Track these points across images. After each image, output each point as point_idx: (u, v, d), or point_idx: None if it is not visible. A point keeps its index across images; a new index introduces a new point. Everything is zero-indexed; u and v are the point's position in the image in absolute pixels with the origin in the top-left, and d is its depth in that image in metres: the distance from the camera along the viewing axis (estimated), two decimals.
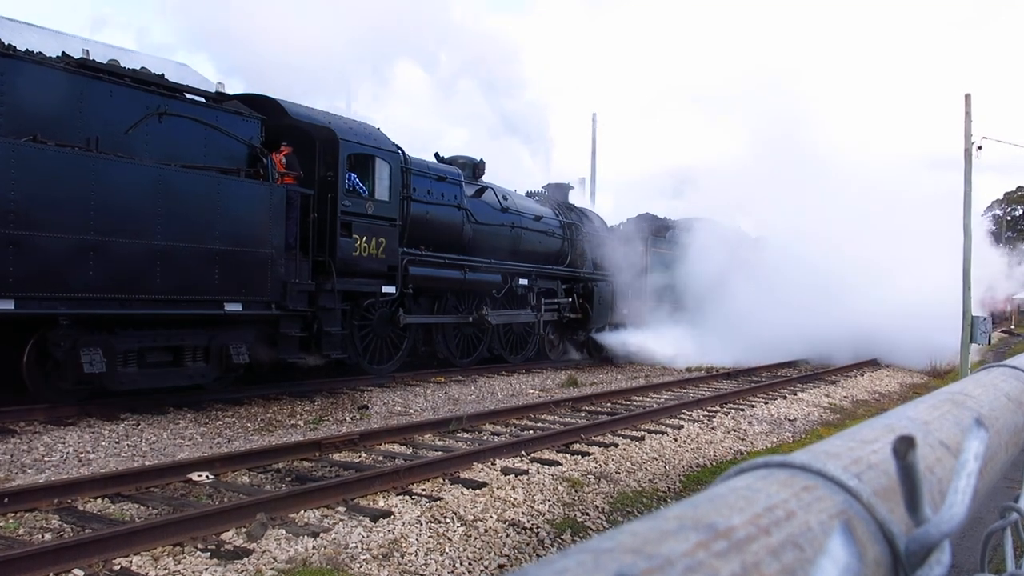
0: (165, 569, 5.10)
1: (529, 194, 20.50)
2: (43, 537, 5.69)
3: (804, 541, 0.54)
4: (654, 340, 21.15)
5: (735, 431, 11.25)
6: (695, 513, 0.53)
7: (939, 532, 0.60)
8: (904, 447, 0.58)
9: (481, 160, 17.97)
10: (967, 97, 18.12)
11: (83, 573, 4.92)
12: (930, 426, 0.88)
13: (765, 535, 0.52)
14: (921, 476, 0.61)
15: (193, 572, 5.07)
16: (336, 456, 8.53)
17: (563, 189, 21.86)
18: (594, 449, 9.28)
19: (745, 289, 21.55)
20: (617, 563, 0.44)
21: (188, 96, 11.04)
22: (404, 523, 6.23)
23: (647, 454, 9.33)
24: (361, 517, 6.32)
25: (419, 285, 14.75)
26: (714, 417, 11.97)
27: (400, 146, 14.42)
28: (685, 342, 21.47)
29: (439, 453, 8.62)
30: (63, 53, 9.98)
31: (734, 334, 21.06)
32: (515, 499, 7.11)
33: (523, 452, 8.78)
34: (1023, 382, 1.38)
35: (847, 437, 0.78)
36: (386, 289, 13.69)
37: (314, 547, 5.61)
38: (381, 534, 5.97)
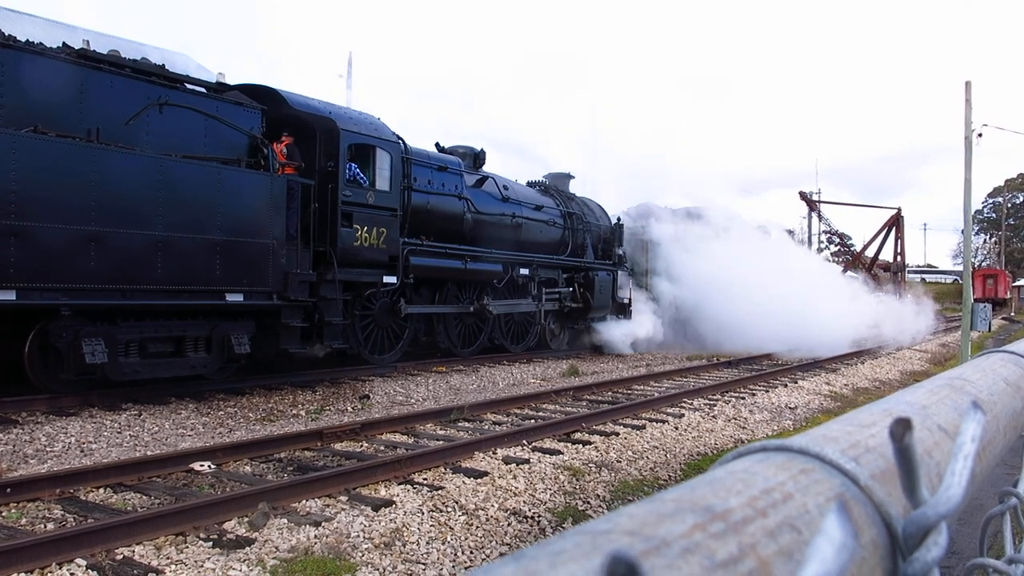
0: (168, 558, 5.12)
1: (530, 184, 20.48)
2: (46, 527, 5.71)
3: (801, 523, 0.54)
4: (648, 329, 21.28)
5: (736, 419, 11.27)
6: (693, 496, 0.53)
7: (936, 514, 0.60)
8: (901, 430, 0.58)
9: (482, 150, 17.96)
10: (967, 84, 18.03)
11: (85, 563, 4.94)
12: (928, 410, 0.88)
13: (762, 517, 0.52)
14: (918, 459, 0.61)
15: (195, 561, 5.09)
16: (338, 446, 8.55)
17: (564, 178, 21.83)
18: (595, 438, 9.30)
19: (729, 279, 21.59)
20: (614, 545, 0.44)
21: (189, 86, 11.01)
22: (406, 512, 6.25)
23: (648, 443, 9.34)
24: (363, 506, 6.34)
25: (420, 275, 14.75)
26: (715, 405, 11.98)
27: (401, 136, 14.41)
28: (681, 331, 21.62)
29: (440, 443, 8.64)
30: (63, 44, 9.95)
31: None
32: (516, 488, 7.13)
33: (524, 441, 8.79)
34: (1021, 367, 1.38)
35: (845, 421, 0.78)
36: (387, 279, 13.69)
37: (316, 536, 5.63)
38: (383, 523, 5.99)
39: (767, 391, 13.91)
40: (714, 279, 21.35)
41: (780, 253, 25.53)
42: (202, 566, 5.02)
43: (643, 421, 10.46)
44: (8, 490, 6.14)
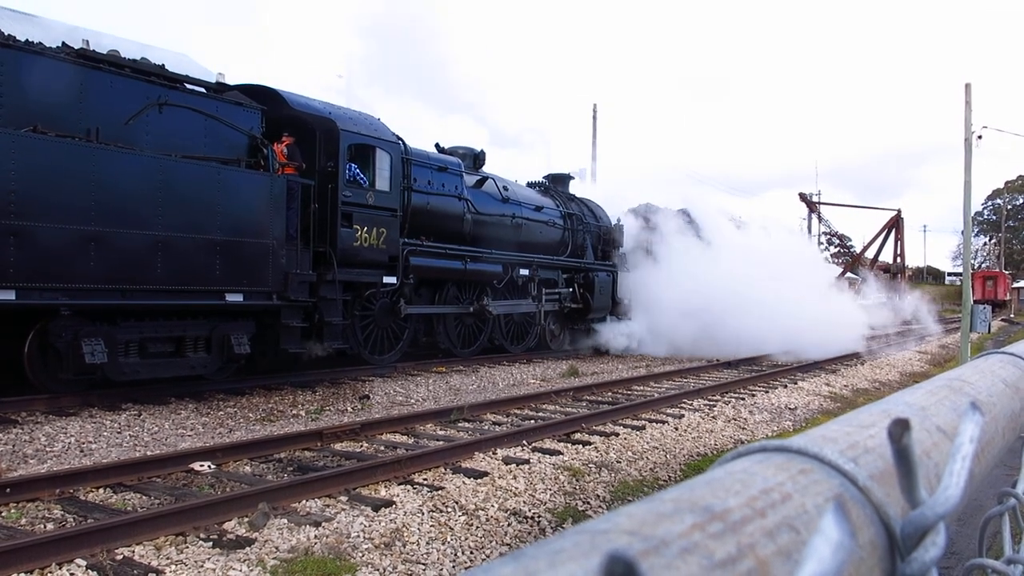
0: (168, 559, 5.12)
1: (530, 184, 20.48)
2: (45, 527, 5.71)
3: (800, 523, 0.54)
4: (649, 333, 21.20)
5: (736, 420, 11.26)
6: (692, 496, 0.53)
7: (934, 514, 0.60)
8: (899, 430, 0.58)
9: (482, 150, 17.96)
10: (967, 87, 18.04)
11: (85, 563, 4.93)
12: (927, 411, 0.88)
13: (761, 517, 0.52)
14: (917, 459, 0.61)
15: (195, 562, 5.09)
16: (338, 446, 8.55)
17: (564, 179, 21.83)
18: (595, 438, 9.30)
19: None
20: (613, 544, 0.45)
21: (189, 86, 11.01)
22: (406, 512, 6.24)
23: (648, 443, 9.34)
24: (363, 507, 6.34)
25: (420, 275, 14.76)
26: (715, 406, 11.98)
27: (401, 136, 14.41)
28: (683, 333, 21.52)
29: (440, 443, 8.64)
30: (63, 43, 9.95)
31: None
32: (516, 488, 7.12)
33: (524, 442, 8.79)
34: (1021, 369, 1.38)
35: (844, 422, 0.78)
36: (387, 279, 13.69)
37: (316, 536, 5.63)
38: (383, 523, 5.99)
39: (767, 392, 13.91)
40: (709, 281, 21.27)
41: (775, 253, 25.41)
42: (202, 566, 5.02)
43: (643, 422, 10.46)
44: (8, 490, 6.14)
